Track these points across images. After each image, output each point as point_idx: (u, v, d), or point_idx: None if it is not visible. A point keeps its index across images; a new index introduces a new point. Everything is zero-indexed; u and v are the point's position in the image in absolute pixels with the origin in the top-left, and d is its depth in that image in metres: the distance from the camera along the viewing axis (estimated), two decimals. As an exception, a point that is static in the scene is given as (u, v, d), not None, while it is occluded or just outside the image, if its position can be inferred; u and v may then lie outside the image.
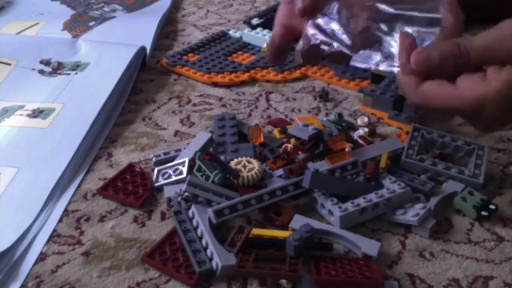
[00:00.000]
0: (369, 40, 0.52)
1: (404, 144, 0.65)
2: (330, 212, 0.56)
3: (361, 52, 0.52)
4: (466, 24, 0.52)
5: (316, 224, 0.55)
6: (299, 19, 0.56)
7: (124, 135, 0.72)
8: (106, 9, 1.11)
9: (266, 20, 0.98)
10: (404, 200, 0.57)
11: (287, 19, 0.58)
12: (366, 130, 0.70)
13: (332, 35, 0.54)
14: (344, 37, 0.53)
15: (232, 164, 0.61)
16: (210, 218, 0.55)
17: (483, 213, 0.57)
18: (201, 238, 0.53)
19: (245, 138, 0.68)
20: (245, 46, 0.93)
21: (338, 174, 0.60)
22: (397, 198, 0.57)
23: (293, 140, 0.66)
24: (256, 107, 0.78)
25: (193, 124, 0.74)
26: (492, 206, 0.57)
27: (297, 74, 0.85)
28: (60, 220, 0.58)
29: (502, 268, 0.52)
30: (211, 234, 0.53)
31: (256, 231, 0.53)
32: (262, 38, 0.92)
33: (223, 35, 0.97)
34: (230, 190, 0.58)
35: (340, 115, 0.70)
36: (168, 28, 1.04)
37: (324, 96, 0.79)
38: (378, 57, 0.51)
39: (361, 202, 0.56)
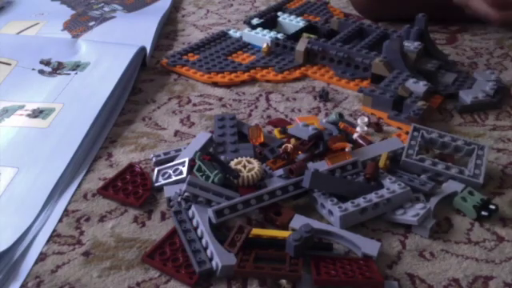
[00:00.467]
0: None
1: (404, 144, 0.65)
2: (330, 212, 0.56)
3: None
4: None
5: (316, 224, 0.55)
6: None
7: (124, 135, 0.72)
8: (106, 9, 1.11)
9: (266, 20, 0.98)
10: (404, 200, 0.57)
11: None
12: (366, 128, 0.70)
13: None
14: None
15: (232, 164, 0.61)
16: (209, 218, 0.55)
17: (483, 213, 0.57)
18: (201, 238, 0.53)
19: (245, 137, 0.68)
20: (245, 46, 0.93)
21: (338, 174, 0.60)
22: (397, 197, 0.57)
23: (293, 140, 0.66)
24: (256, 107, 0.78)
25: (193, 124, 0.74)
26: (492, 206, 0.57)
27: (297, 74, 0.85)
28: (60, 220, 0.58)
29: (502, 268, 0.52)
30: (211, 234, 0.53)
31: (256, 231, 0.53)
32: (261, 38, 0.92)
33: (223, 35, 0.97)
34: (230, 190, 0.58)
35: (341, 115, 0.70)
36: (168, 28, 1.04)
37: (324, 96, 0.79)
38: None
39: (361, 201, 0.56)
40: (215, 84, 0.83)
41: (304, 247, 0.51)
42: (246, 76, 0.84)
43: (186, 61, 0.88)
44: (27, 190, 0.61)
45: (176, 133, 0.72)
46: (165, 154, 0.66)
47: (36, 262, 0.53)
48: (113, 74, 0.80)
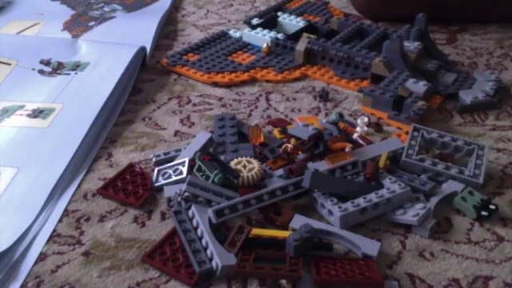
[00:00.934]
0: None
1: (404, 144, 0.65)
2: (330, 212, 0.56)
3: None
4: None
5: (316, 224, 0.55)
6: None
7: (124, 135, 0.72)
8: (106, 9, 1.11)
9: (266, 20, 0.98)
10: (404, 200, 0.57)
11: None
12: (366, 128, 0.70)
13: None
14: None
15: (232, 164, 0.61)
16: (209, 218, 0.55)
17: (483, 213, 0.57)
18: (201, 238, 0.53)
19: (245, 138, 0.68)
20: (245, 46, 0.93)
21: (338, 174, 0.60)
22: (397, 197, 0.57)
23: (293, 140, 0.66)
24: (256, 107, 0.78)
25: (193, 124, 0.74)
26: (492, 206, 0.57)
27: (297, 74, 0.85)
28: (60, 220, 0.58)
29: (502, 268, 0.52)
30: (211, 234, 0.53)
31: (256, 231, 0.53)
32: (262, 38, 0.92)
33: (223, 35, 0.97)
34: (230, 190, 0.58)
35: (341, 115, 0.70)
36: (168, 28, 1.04)
37: (324, 96, 0.79)
38: None
39: (361, 201, 0.56)
40: (215, 84, 0.83)
41: (304, 247, 0.51)
42: (245, 76, 0.84)
43: (186, 61, 0.88)
44: (27, 189, 0.61)
45: (176, 133, 0.72)
46: (165, 154, 0.66)
47: (36, 262, 0.53)
48: (113, 74, 0.80)
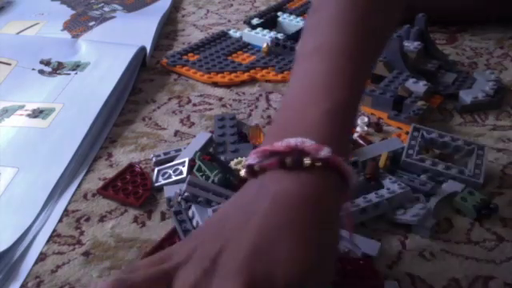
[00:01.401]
0: None
1: (404, 144, 0.65)
2: (330, 212, 0.56)
3: None
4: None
5: (316, 224, 0.55)
6: None
7: (124, 135, 0.72)
8: (106, 9, 1.11)
9: (266, 20, 0.98)
10: (404, 200, 0.57)
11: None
12: (366, 128, 0.70)
13: None
14: None
15: (232, 164, 0.61)
16: (210, 218, 0.55)
17: (483, 212, 0.57)
18: (201, 238, 0.53)
19: (245, 138, 0.68)
20: (245, 46, 0.93)
21: (338, 174, 0.60)
22: (397, 197, 0.57)
23: (293, 140, 0.66)
24: (256, 107, 0.78)
25: (193, 124, 0.74)
26: (492, 206, 0.57)
27: (297, 73, 0.85)
28: (60, 220, 0.58)
29: (502, 268, 0.52)
30: (211, 234, 0.53)
31: (256, 231, 0.53)
32: (262, 38, 0.92)
33: (223, 35, 0.97)
34: (230, 190, 0.58)
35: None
36: (168, 28, 1.04)
37: (324, 96, 0.79)
38: None
39: (361, 201, 0.56)
40: (215, 84, 0.83)
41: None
42: (245, 76, 0.84)
43: (186, 61, 0.88)
44: (27, 189, 0.61)
45: (176, 133, 0.72)
46: (165, 154, 0.66)
47: (36, 262, 0.53)
48: (113, 74, 0.80)
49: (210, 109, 0.77)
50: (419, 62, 0.82)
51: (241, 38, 0.95)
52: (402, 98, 0.74)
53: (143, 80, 0.85)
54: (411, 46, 0.82)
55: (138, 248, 0.54)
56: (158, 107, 0.78)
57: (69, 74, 0.83)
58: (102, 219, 0.58)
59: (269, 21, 0.98)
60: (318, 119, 0.40)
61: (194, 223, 0.55)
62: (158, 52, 0.94)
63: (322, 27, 0.46)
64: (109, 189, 0.61)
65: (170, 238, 0.54)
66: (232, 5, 1.14)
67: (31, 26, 1.03)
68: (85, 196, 0.61)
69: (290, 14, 1.01)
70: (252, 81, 0.84)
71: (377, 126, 0.72)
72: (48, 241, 0.55)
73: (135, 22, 1.04)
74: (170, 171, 0.63)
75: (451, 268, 0.52)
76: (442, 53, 0.89)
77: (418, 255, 0.53)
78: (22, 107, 0.76)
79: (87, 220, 0.58)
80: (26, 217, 0.57)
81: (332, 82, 0.42)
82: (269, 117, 0.75)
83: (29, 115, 0.74)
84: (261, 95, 0.81)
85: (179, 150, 0.66)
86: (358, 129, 0.70)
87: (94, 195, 0.61)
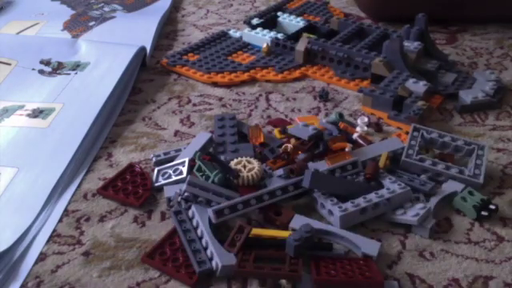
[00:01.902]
0: None
1: (404, 144, 0.65)
2: (330, 212, 0.56)
3: None
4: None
5: (316, 224, 0.55)
6: None
7: (124, 135, 0.72)
8: (106, 9, 1.11)
9: (266, 20, 0.98)
10: (404, 200, 0.57)
11: None
12: (366, 128, 0.70)
13: None
14: None
15: (232, 164, 0.61)
16: (209, 218, 0.55)
17: (483, 213, 0.57)
18: (201, 238, 0.53)
19: (245, 138, 0.68)
20: (245, 46, 0.93)
21: (338, 174, 0.60)
22: (397, 197, 0.57)
23: (293, 140, 0.66)
24: (256, 107, 0.78)
25: (193, 124, 0.74)
26: (492, 206, 0.57)
27: (297, 74, 0.85)
28: (60, 220, 0.58)
29: (502, 268, 0.52)
30: (211, 234, 0.53)
31: (256, 231, 0.53)
32: (262, 38, 0.92)
33: (223, 35, 0.97)
34: (230, 190, 0.58)
35: (341, 115, 0.70)
36: (168, 28, 1.04)
37: (324, 96, 0.79)
38: None
39: (361, 201, 0.56)
40: (215, 84, 0.83)
41: (304, 247, 0.51)
42: (246, 76, 0.84)
43: (186, 61, 0.88)
44: (27, 189, 0.61)
45: (176, 133, 0.72)
46: (165, 153, 0.66)
47: (36, 262, 0.53)
48: (113, 74, 0.80)
49: (210, 109, 0.77)
50: (419, 62, 0.82)
51: (241, 37, 0.95)
52: (402, 98, 0.74)
53: (143, 80, 0.85)
54: (411, 46, 0.82)
55: (137, 248, 0.54)
56: (158, 107, 0.78)
57: (69, 74, 0.83)
58: (102, 219, 0.58)
59: (269, 21, 0.98)
60: None
61: (194, 223, 0.55)
62: (158, 52, 0.94)
63: None
64: (109, 189, 0.61)
65: (170, 238, 0.54)
66: (232, 5, 1.14)
67: (31, 26, 1.03)
68: (85, 196, 0.61)
69: (290, 14, 1.01)
70: (252, 81, 0.84)
71: (377, 126, 0.72)
72: (48, 241, 0.55)
73: (135, 22, 1.04)
74: (170, 171, 0.63)
75: (451, 268, 0.52)
76: (442, 53, 0.89)
77: (417, 255, 0.53)
78: (21, 107, 0.76)
79: (87, 220, 0.58)
80: (25, 217, 0.57)
81: None
82: (269, 117, 0.75)
83: (29, 115, 0.74)
84: (261, 95, 0.81)
85: (179, 150, 0.66)
86: (358, 129, 0.70)
87: (94, 195, 0.61)
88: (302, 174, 0.59)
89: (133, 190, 0.61)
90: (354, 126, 0.70)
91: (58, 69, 0.85)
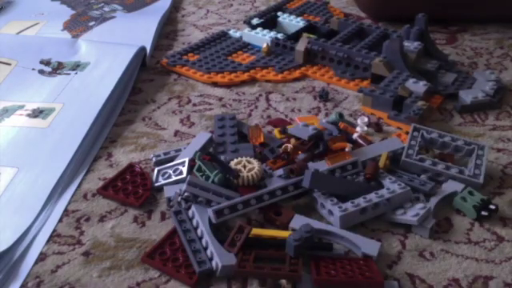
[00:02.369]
0: None
1: (404, 144, 0.65)
2: (330, 212, 0.56)
3: None
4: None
5: (316, 224, 0.55)
6: None
7: (124, 135, 0.72)
8: (106, 9, 1.11)
9: (266, 20, 0.98)
10: (404, 200, 0.57)
11: None
12: (366, 128, 0.70)
13: None
14: None
15: (232, 164, 0.61)
16: (209, 218, 0.55)
17: (483, 213, 0.57)
18: (201, 238, 0.53)
19: (245, 138, 0.68)
20: (245, 46, 0.93)
21: (338, 174, 0.60)
22: (397, 197, 0.57)
23: (293, 140, 0.66)
24: (256, 107, 0.78)
25: (193, 124, 0.74)
26: (492, 206, 0.57)
27: (297, 74, 0.85)
28: (60, 220, 0.58)
29: (502, 268, 0.52)
30: (211, 234, 0.53)
31: (256, 231, 0.53)
32: (262, 38, 0.92)
33: (223, 35, 0.97)
34: (230, 190, 0.58)
35: (341, 115, 0.70)
36: (168, 28, 1.04)
37: (324, 96, 0.79)
38: None
39: (361, 201, 0.56)
40: (215, 84, 0.83)
41: (304, 247, 0.51)
42: (245, 76, 0.84)
43: (186, 61, 0.88)
44: (27, 189, 0.61)
45: (176, 133, 0.72)
46: (165, 153, 0.66)
47: (36, 262, 0.53)
48: (113, 74, 0.80)
49: (210, 109, 0.77)
50: (419, 62, 0.82)
51: (241, 38, 0.95)
52: (402, 97, 0.74)
53: (143, 80, 0.85)
54: (411, 46, 0.82)
55: (137, 248, 0.54)
56: (158, 107, 0.78)
57: (69, 74, 0.83)
58: (102, 219, 0.58)
59: (269, 21, 0.98)
60: None
61: (194, 223, 0.55)
62: (158, 52, 0.94)
63: None
64: (109, 189, 0.61)
65: (170, 238, 0.54)
66: (232, 5, 1.14)
67: (31, 26, 1.03)
68: (85, 196, 0.61)
69: (290, 14, 1.01)
70: (252, 81, 0.84)
71: (377, 126, 0.72)
72: (48, 241, 0.55)
73: (135, 22, 1.04)
74: (170, 171, 0.63)
75: (451, 268, 0.52)
76: (442, 53, 0.89)
77: (417, 255, 0.53)
78: (22, 107, 0.76)
79: (87, 220, 0.58)
80: (25, 217, 0.57)
81: None
82: (269, 117, 0.75)
83: (29, 115, 0.74)
84: (261, 95, 0.81)
85: (179, 150, 0.66)
86: (358, 129, 0.70)
87: (94, 195, 0.61)
88: (301, 174, 0.59)
89: (133, 190, 0.61)
90: (353, 126, 0.70)
91: (58, 69, 0.85)
